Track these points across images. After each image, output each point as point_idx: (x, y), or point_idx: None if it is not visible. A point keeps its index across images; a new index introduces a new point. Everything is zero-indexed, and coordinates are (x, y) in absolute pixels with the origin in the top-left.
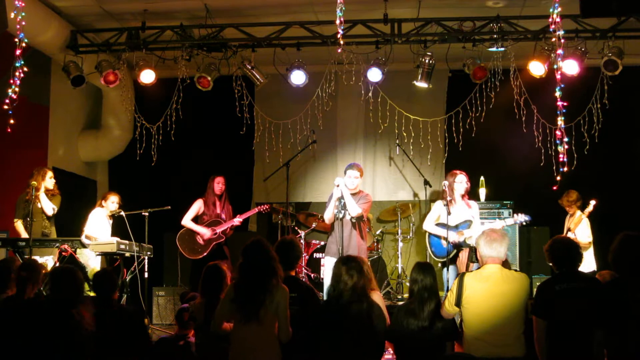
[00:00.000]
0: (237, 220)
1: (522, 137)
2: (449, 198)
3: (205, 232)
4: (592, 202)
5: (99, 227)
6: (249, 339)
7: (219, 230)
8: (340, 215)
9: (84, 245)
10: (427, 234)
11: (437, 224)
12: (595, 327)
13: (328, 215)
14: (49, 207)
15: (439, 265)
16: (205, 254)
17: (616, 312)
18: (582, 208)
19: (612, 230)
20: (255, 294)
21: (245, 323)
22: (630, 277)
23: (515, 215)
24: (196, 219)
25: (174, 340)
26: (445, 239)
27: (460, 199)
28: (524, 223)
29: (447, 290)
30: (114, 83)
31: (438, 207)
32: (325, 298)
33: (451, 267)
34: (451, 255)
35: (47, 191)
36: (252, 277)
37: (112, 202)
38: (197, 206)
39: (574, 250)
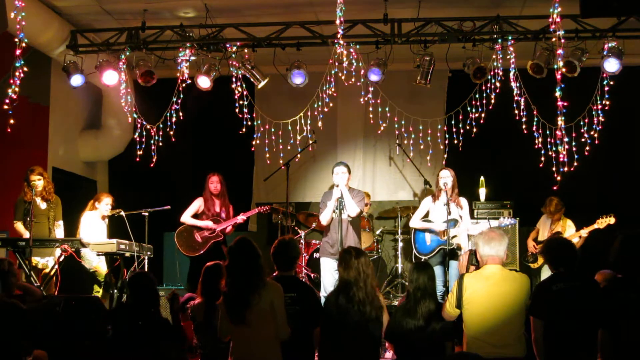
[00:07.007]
0: (241, 218)
1: (522, 137)
2: (449, 197)
3: (208, 223)
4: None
5: (94, 231)
6: (245, 341)
7: (218, 228)
8: (341, 216)
9: (84, 245)
10: (412, 231)
11: (423, 221)
12: (596, 327)
13: (326, 217)
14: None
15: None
16: (202, 251)
17: (617, 312)
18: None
19: (612, 231)
20: (241, 295)
21: (236, 326)
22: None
23: (501, 218)
24: (195, 218)
25: None
26: (430, 231)
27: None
28: (509, 226)
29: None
30: (114, 83)
31: (426, 203)
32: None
33: (453, 269)
34: (434, 254)
35: (41, 194)
36: (237, 277)
37: (107, 204)
38: (197, 204)
39: (570, 250)
